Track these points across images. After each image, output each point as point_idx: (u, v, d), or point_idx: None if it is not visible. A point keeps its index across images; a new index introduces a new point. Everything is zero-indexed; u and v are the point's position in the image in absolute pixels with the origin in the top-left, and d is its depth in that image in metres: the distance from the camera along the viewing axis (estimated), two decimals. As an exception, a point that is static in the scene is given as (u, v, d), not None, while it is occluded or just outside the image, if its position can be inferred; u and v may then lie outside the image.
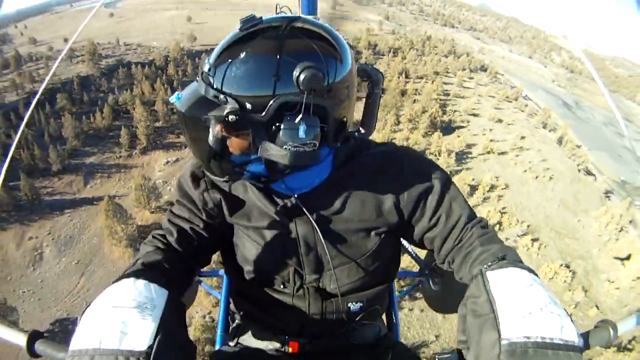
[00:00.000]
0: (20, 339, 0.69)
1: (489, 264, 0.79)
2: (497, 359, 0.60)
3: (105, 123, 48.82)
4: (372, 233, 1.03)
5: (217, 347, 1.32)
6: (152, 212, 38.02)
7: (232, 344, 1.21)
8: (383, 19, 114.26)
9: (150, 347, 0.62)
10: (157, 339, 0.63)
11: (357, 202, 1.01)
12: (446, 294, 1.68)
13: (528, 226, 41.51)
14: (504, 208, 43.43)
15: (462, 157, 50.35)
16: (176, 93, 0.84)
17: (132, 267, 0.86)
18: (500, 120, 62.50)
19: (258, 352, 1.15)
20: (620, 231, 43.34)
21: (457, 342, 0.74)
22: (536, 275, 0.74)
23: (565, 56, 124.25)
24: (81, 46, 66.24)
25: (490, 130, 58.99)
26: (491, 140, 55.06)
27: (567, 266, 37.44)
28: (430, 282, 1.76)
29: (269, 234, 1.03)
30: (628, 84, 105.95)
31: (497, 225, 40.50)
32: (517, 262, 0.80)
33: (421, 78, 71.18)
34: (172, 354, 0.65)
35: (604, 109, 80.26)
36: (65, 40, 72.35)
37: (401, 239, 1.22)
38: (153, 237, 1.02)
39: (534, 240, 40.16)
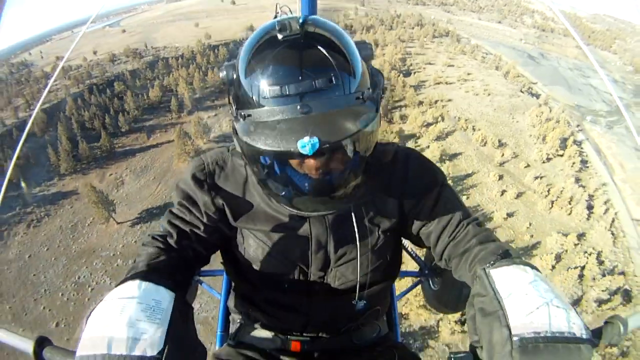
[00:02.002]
0: (27, 346, 0.68)
1: (491, 262, 0.79)
2: (510, 355, 0.61)
3: (156, 99, 66.16)
4: (377, 230, 1.06)
5: (216, 347, 1.33)
6: (205, 143, 53.72)
7: (232, 343, 1.20)
8: (359, 6, 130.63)
9: (161, 352, 0.61)
10: (167, 344, 0.62)
11: (364, 199, 1.03)
12: (446, 293, 1.69)
13: (466, 120, 55.94)
14: (447, 110, 58.04)
15: (416, 87, 65.43)
16: (304, 143, 0.69)
17: (136, 269, 0.84)
18: (452, 65, 77.41)
19: (258, 351, 1.15)
20: (554, 122, 55.48)
21: (470, 343, 0.75)
22: (538, 271, 0.75)
23: (537, 17, 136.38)
24: (120, 52, 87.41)
25: (442, 71, 73.87)
26: (440, 77, 70.28)
27: (499, 140, 51.04)
28: (430, 282, 1.78)
29: (276, 235, 1.04)
30: (604, 37, 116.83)
31: (440, 117, 55.48)
32: (518, 259, 0.79)
33: (386, 45, 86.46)
34: (181, 355, 0.64)
35: (574, 58, 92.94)
36: (95, 52, 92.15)
37: (402, 239, 1.23)
38: (153, 238, 0.99)
39: (469, 124, 54.38)
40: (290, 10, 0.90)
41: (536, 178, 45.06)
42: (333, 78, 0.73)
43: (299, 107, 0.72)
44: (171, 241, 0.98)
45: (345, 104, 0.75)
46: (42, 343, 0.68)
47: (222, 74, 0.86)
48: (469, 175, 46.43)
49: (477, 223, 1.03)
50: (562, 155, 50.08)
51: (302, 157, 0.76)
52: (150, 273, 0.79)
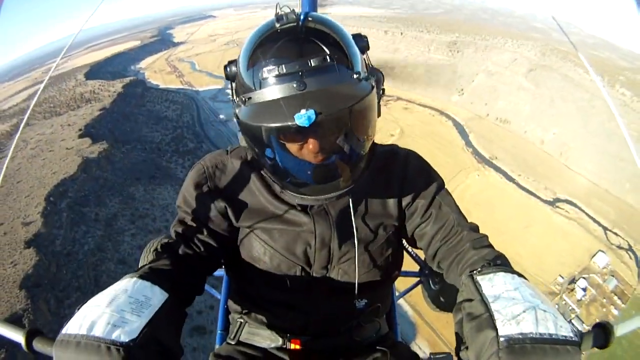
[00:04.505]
0: (18, 337, 0.69)
1: (479, 268, 0.79)
2: (497, 356, 0.60)
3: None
4: (380, 227, 1.08)
5: (216, 346, 1.33)
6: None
7: (232, 342, 1.19)
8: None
9: (134, 340, 0.62)
10: (142, 334, 0.64)
11: (366, 198, 1.06)
12: (446, 293, 1.69)
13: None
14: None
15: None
16: (300, 115, 0.72)
17: (138, 270, 0.84)
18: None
19: (258, 350, 1.15)
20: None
21: (456, 346, 0.76)
22: (525, 278, 0.75)
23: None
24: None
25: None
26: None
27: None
28: (430, 282, 1.77)
29: (279, 233, 1.04)
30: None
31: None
32: (507, 267, 0.80)
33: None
34: (153, 350, 0.66)
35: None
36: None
37: (402, 239, 1.22)
38: (161, 245, 1.00)
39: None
40: (289, 9, 0.93)
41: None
42: (327, 57, 0.76)
43: (295, 84, 0.75)
44: (178, 249, 0.99)
45: (341, 81, 0.78)
46: (33, 334, 0.69)
47: (226, 70, 0.91)
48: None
49: (473, 229, 1.05)
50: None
51: (301, 131, 0.78)
52: (150, 274, 0.80)
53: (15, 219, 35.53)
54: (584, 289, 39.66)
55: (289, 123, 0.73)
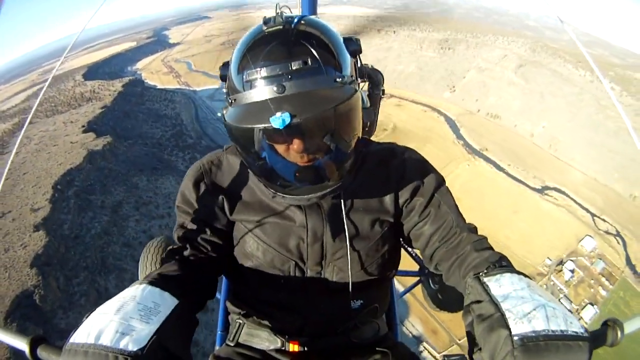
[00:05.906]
0: (22, 344, 0.69)
1: (485, 270, 0.80)
2: (512, 355, 0.60)
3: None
4: (376, 224, 1.07)
5: (216, 347, 1.33)
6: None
7: (231, 344, 1.19)
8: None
9: (142, 349, 0.62)
10: (150, 343, 0.63)
11: (363, 193, 1.06)
12: (446, 293, 1.69)
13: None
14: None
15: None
16: (275, 118, 0.74)
17: (147, 277, 0.84)
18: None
19: (258, 351, 1.15)
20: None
21: (468, 348, 0.75)
22: (530, 279, 0.76)
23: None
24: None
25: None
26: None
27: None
28: (430, 281, 1.77)
29: (272, 228, 1.04)
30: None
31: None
32: (511, 268, 0.81)
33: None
34: (162, 359, 0.65)
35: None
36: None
37: (399, 238, 1.21)
38: (167, 252, 1.01)
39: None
40: (290, 10, 0.92)
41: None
42: (309, 61, 0.78)
43: (275, 87, 0.77)
44: (183, 252, 1.01)
45: (320, 85, 0.79)
46: (37, 342, 0.68)
47: (220, 71, 0.93)
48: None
49: (472, 230, 1.04)
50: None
51: (279, 133, 0.79)
52: (160, 280, 0.81)
53: (24, 206, 37.00)
54: (572, 271, 41.22)
55: (265, 125, 0.75)
